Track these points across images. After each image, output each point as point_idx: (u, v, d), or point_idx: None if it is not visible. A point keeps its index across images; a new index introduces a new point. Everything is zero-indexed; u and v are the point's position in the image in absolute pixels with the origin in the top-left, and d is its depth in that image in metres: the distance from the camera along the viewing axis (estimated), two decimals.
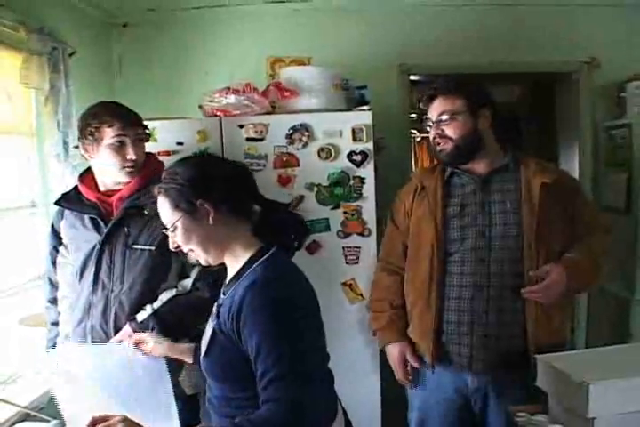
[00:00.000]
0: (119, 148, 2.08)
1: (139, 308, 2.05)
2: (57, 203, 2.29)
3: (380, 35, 3.27)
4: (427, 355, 2.16)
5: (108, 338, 2.06)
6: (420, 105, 2.20)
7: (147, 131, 2.18)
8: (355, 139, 2.59)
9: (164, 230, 1.56)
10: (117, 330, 2.06)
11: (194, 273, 2.08)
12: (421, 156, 6.16)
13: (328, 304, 2.59)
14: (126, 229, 2.09)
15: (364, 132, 2.58)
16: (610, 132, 3.39)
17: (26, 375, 2.68)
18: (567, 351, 1.95)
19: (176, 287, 2.09)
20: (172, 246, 1.57)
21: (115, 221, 2.09)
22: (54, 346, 2.31)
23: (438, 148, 2.12)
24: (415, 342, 2.22)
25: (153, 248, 2.06)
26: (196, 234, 1.50)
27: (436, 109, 2.11)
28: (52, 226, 2.26)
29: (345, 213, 2.63)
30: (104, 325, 2.10)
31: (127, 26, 3.29)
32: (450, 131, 2.08)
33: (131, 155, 2.09)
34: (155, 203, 1.99)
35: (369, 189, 2.62)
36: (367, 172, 2.62)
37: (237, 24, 3.27)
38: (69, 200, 2.23)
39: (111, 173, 2.13)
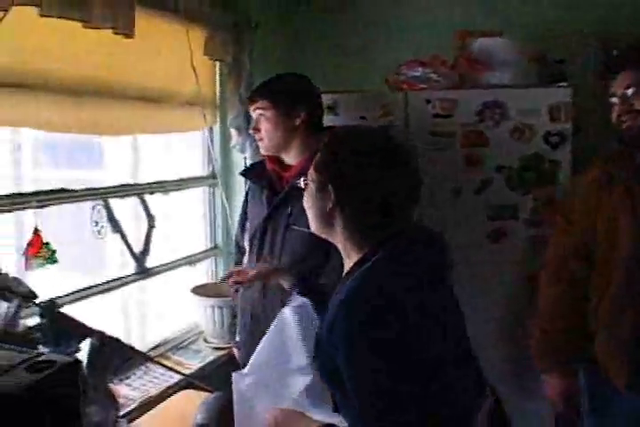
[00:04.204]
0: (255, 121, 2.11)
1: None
2: (242, 172, 2.31)
3: (577, 3, 2.90)
4: (618, 376, 1.84)
5: (265, 309, 2.04)
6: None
7: (276, 105, 2.04)
8: (552, 118, 2.36)
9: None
10: (273, 306, 2.00)
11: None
12: None
13: (509, 297, 2.45)
14: (289, 209, 2.03)
15: (563, 110, 2.35)
16: None
17: (195, 343, 2.75)
18: None
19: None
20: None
21: (279, 200, 2.06)
22: (235, 315, 2.33)
23: (624, 125, 1.85)
24: (598, 362, 1.91)
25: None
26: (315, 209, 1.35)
27: (622, 83, 1.85)
28: (247, 193, 2.30)
29: (535, 199, 2.41)
30: (262, 298, 2.08)
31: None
32: None
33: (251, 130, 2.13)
34: None
35: (564, 174, 2.38)
36: (564, 155, 2.38)
37: None
38: (254, 171, 2.25)
39: None
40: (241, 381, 1.76)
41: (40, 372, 1.17)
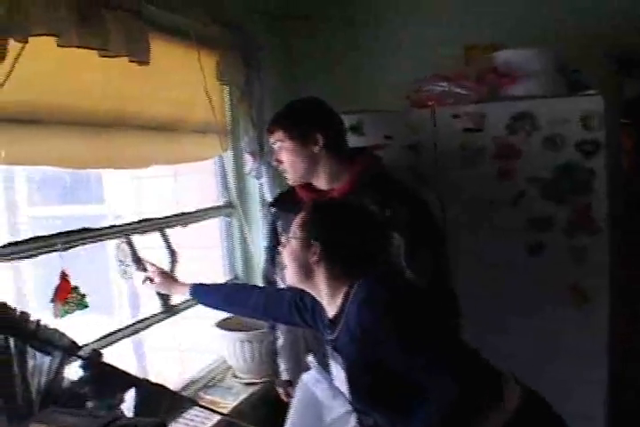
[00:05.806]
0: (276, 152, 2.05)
1: None
2: (271, 204, 2.23)
3: (582, 11, 2.81)
4: None
5: (317, 340, 1.95)
6: None
7: (285, 137, 2.00)
8: (585, 127, 2.32)
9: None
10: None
11: None
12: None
13: (551, 307, 2.39)
14: None
15: (596, 119, 2.30)
16: None
17: (224, 380, 2.62)
18: None
19: None
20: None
21: None
22: (275, 352, 2.24)
23: None
24: None
25: None
26: (298, 264, 1.62)
27: None
28: (272, 225, 2.20)
29: (572, 209, 2.36)
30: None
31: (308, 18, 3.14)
32: None
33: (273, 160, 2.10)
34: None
35: (600, 183, 2.33)
36: (598, 163, 2.33)
37: (430, 9, 3.02)
38: (284, 200, 2.16)
39: None
40: None
41: None
